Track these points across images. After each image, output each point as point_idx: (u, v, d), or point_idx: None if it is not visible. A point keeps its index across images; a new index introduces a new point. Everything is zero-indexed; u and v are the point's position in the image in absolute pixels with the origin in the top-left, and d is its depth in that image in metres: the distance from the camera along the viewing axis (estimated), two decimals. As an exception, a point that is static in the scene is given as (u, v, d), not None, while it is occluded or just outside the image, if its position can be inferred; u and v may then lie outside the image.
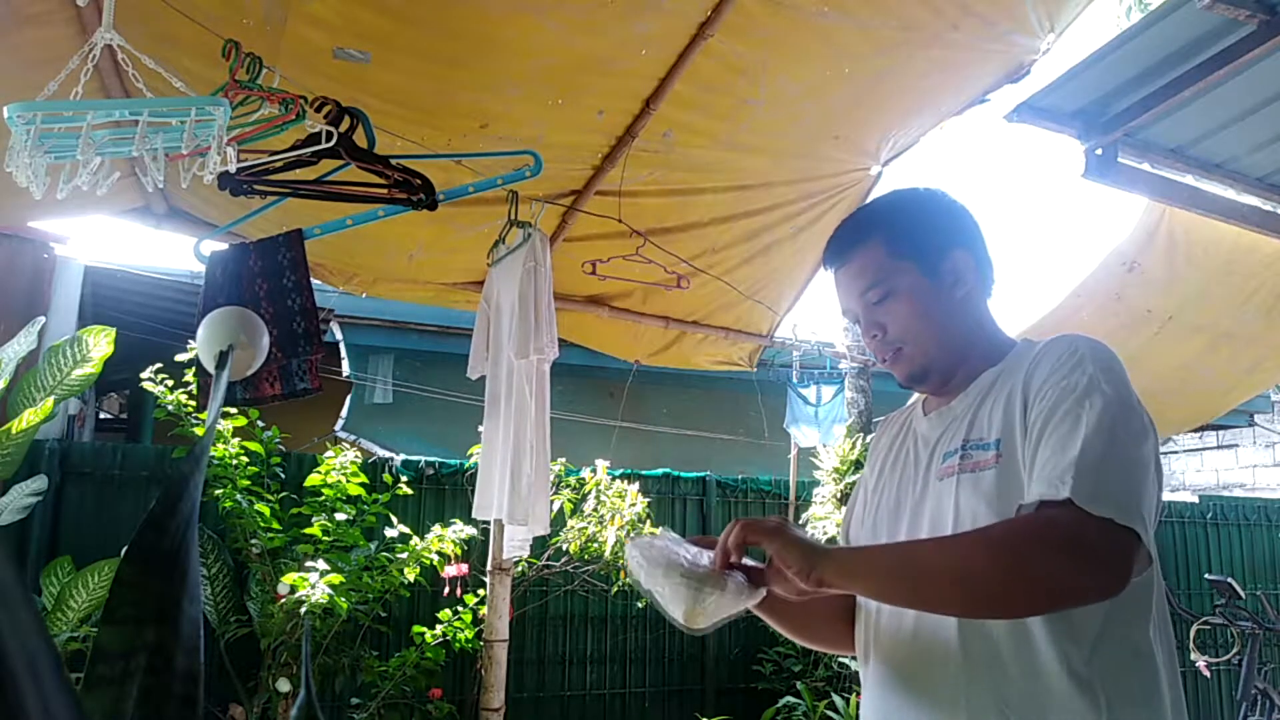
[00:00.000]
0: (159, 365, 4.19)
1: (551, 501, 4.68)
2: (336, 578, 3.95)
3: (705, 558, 1.19)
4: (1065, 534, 0.98)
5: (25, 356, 3.62)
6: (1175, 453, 10.70)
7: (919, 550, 1.11)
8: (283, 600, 3.91)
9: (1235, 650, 4.67)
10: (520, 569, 4.82)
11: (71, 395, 3.69)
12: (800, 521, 5.82)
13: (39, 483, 3.78)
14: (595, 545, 4.80)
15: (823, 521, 5.60)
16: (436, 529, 4.43)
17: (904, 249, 1.25)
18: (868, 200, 3.55)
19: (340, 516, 4.23)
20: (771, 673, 5.41)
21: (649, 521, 4.89)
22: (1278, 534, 7.11)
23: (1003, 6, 2.49)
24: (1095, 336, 1.18)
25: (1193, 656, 4.79)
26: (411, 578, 4.29)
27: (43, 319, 3.95)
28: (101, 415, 8.69)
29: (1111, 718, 1.04)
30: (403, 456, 5.14)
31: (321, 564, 3.99)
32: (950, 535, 1.12)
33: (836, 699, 5.05)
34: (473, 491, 4.95)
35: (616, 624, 5.38)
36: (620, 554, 4.76)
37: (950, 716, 1.11)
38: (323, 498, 4.29)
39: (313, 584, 3.86)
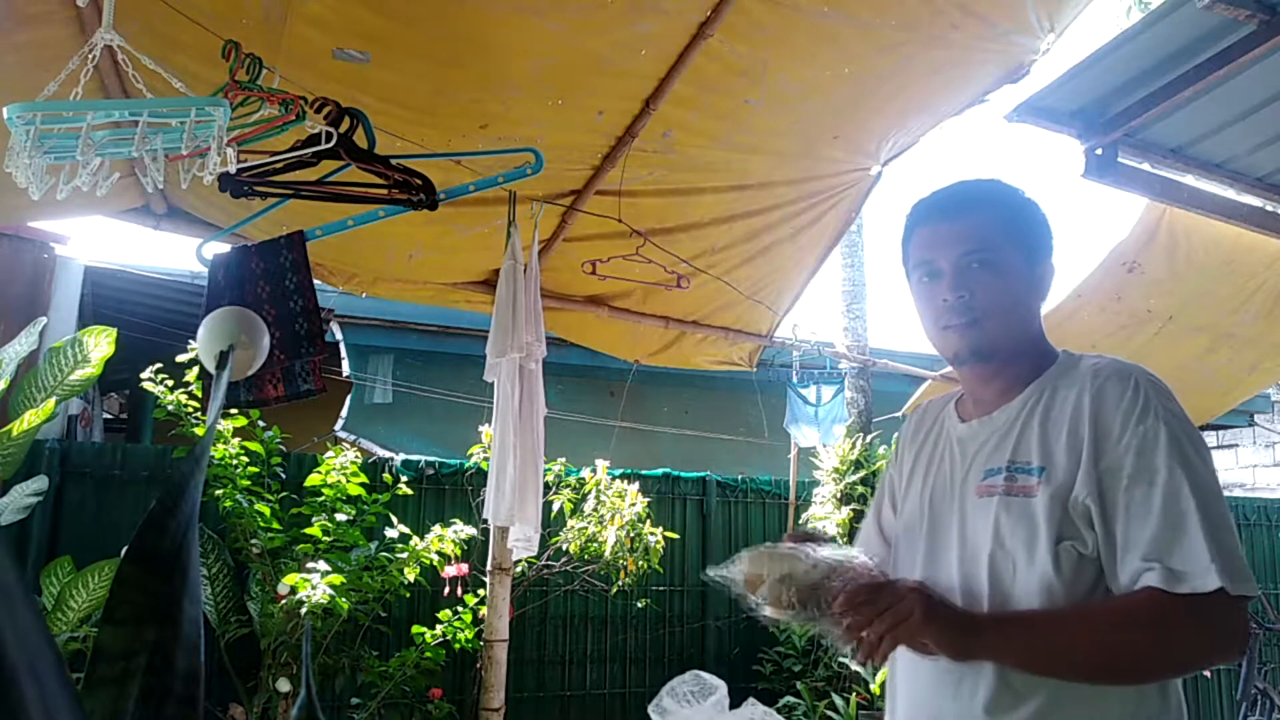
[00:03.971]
0: (159, 365, 4.19)
1: (550, 501, 4.70)
2: (337, 578, 3.95)
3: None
4: (1229, 624, 1.05)
5: (26, 357, 3.62)
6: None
7: (1078, 639, 1.09)
8: (283, 600, 3.91)
9: (1235, 650, 4.67)
10: (520, 569, 4.82)
11: (72, 395, 3.69)
12: (800, 521, 5.81)
13: (39, 483, 3.78)
14: (595, 545, 4.80)
15: (823, 521, 5.60)
16: (436, 529, 4.43)
17: (1020, 235, 1.27)
18: (867, 200, 3.56)
19: (340, 516, 4.23)
20: (771, 673, 5.41)
21: (649, 521, 4.89)
22: (1278, 534, 7.11)
23: (1003, 6, 2.49)
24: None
25: (1193, 656, 4.79)
26: (411, 578, 4.29)
27: (44, 319, 3.95)
28: (102, 415, 8.69)
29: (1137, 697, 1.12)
30: (403, 456, 5.14)
31: (322, 564, 3.99)
32: (1101, 613, 1.11)
33: (836, 699, 5.05)
34: (473, 492, 4.98)
35: (616, 624, 5.38)
36: (619, 554, 4.76)
37: (975, 680, 1.15)
38: (323, 498, 4.29)
39: (313, 585, 3.86)
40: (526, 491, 3.01)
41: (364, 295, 3.98)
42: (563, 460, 4.98)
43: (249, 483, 4.22)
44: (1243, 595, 1.03)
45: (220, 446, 4.13)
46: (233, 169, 1.99)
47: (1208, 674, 5.18)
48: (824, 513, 5.65)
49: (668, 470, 5.76)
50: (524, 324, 3.00)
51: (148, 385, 4.13)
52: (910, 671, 1.25)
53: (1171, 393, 1.16)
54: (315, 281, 2.87)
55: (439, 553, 4.37)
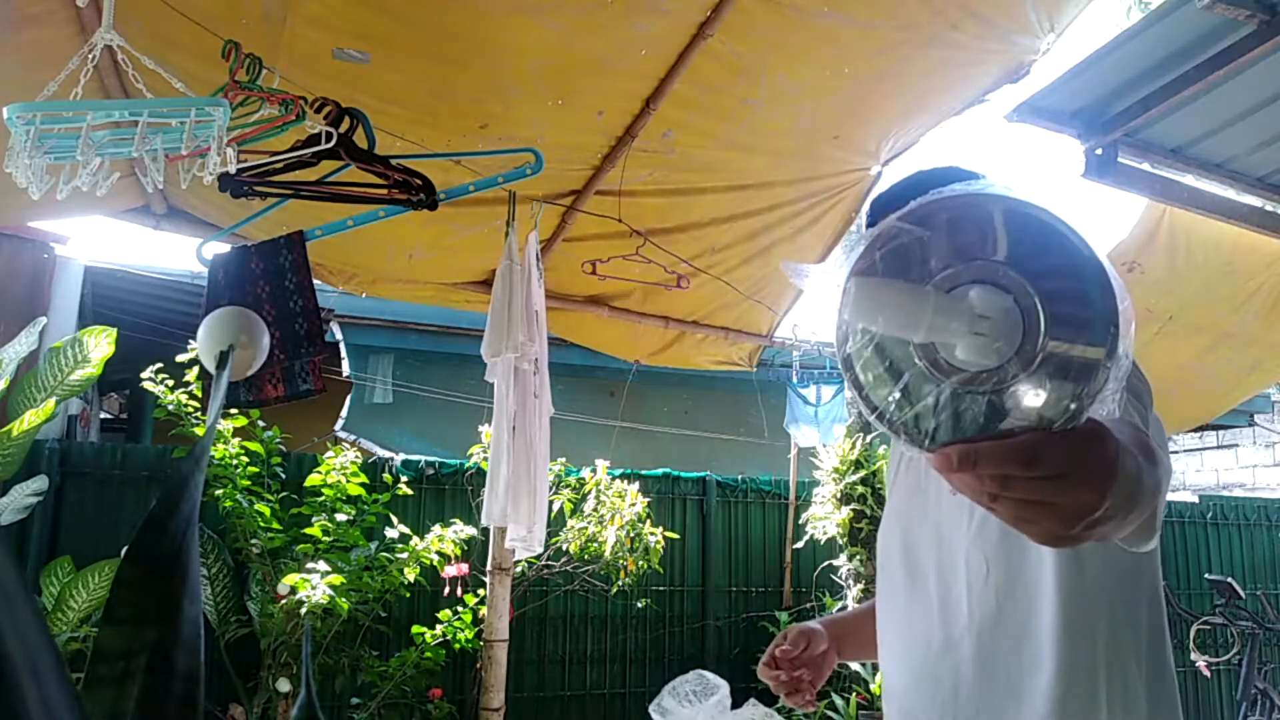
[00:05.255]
0: (159, 365, 4.19)
1: (550, 501, 4.69)
2: (337, 578, 3.95)
3: None
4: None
5: (26, 357, 3.62)
6: (1175, 453, 10.69)
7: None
8: (283, 600, 3.91)
9: (1235, 650, 4.67)
10: (520, 569, 4.82)
11: (72, 395, 3.69)
12: (800, 521, 5.81)
13: (39, 483, 3.78)
14: (595, 545, 4.80)
15: (822, 521, 5.60)
16: (436, 529, 4.43)
17: None
18: (868, 201, 3.56)
19: (340, 517, 4.24)
20: (772, 673, 5.41)
21: (649, 521, 4.89)
22: (1278, 534, 7.10)
23: (1003, 6, 2.49)
24: None
25: (1193, 656, 4.79)
26: (411, 578, 4.30)
27: (44, 319, 3.95)
28: (102, 415, 8.69)
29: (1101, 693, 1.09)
30: (403, 456, 5.14)
31: (322, 564, 4.00)
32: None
33: (836, 699, 5.05)
34: (473, 492, 4.98)
35: (616, 624, 5.38)
36: (619, 554, 4.75)
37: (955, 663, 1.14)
38: (323, 498, 4.29)
39: (313, 585, 3.86)
40: (521, 491, 3.01)
41: (364, 295, 3.98)
42: (563, 460, 4.98)
43: (249, 483, 4.22)
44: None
45: (220, 446, 4.13)
46: (233, 169, 1.99)
47: (1207, 674, 5.17)
48: (824, 513, 5.64)
49: (668, 470, 5.76)
50: (519, 324, 2.99)
51: (148, 385, 4.13)
52: (901, 674, 1.25)
53: (1142, 373, 1.13)
54: (315, 281, 2.87)
55: (439, 553, 4.37)
